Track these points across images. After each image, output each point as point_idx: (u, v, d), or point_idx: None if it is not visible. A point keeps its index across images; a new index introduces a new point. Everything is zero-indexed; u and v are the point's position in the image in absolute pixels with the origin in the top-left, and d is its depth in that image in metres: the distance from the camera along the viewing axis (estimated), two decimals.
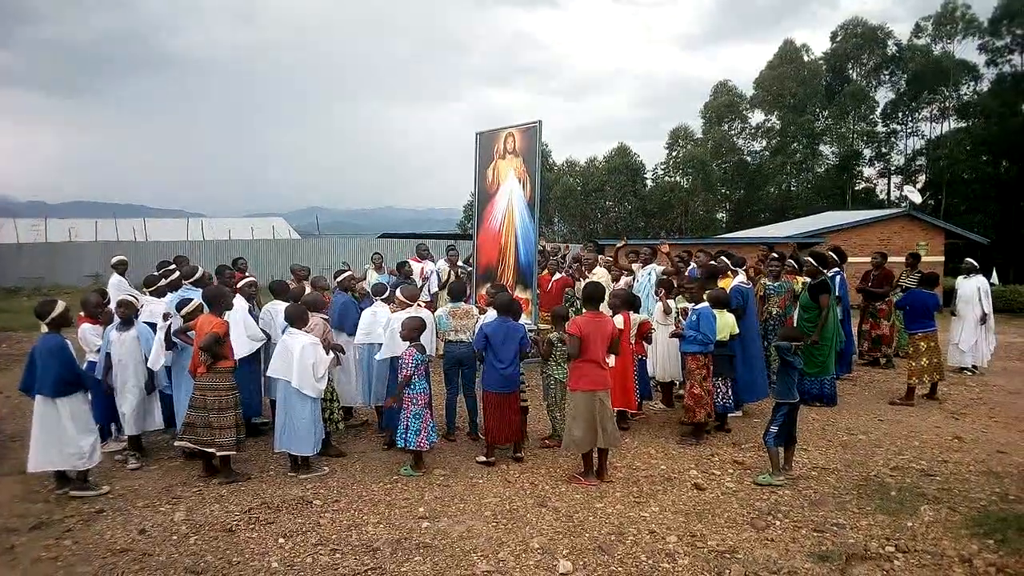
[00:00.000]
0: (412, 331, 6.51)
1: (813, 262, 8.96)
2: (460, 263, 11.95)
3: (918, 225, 23.92)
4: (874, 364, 11.14)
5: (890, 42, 44.46)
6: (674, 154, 47.63)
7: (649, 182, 48.24)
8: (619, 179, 45.56)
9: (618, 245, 11.13)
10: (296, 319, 6.41)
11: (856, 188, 45.06)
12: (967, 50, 41.75)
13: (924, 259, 22.50)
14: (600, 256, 10.91)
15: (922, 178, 43.27)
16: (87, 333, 6.99)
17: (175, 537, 5.07)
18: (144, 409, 6.74)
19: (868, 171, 46.64)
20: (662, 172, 48.04)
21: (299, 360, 6.15)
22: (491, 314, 7.28)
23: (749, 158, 48.40)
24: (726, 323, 7.48)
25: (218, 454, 6.12)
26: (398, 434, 6.52)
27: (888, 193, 45.60)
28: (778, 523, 5.19)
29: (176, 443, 6.42)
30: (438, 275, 12.26)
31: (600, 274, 10.06)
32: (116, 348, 6.62)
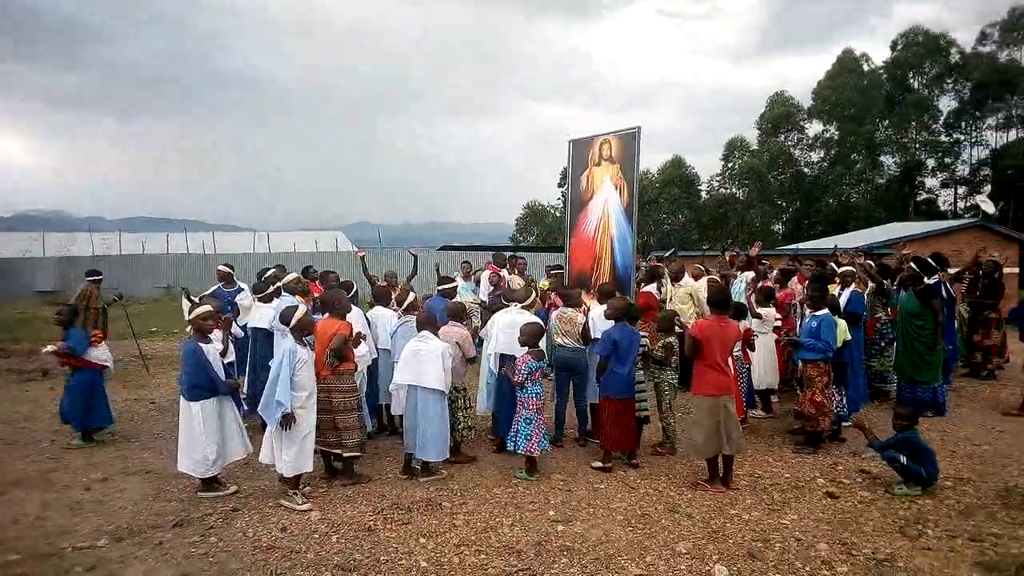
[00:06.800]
0: (530, 336, 6.50)
1: (915, 267, 8.72)
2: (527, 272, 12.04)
3: (990, 236, 23.11)
4: (974, 375, 10.78)
5: (953, 50, 43.43)
6: (730, 165, 47.18)
7: (704, 194, 47.86)
8: (673, 191, 45.32)
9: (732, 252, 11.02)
10: (429, 325, 6.44)
11: (918, 199, 43.98)
12: None
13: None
14: (694, 264, 10.73)
15: (987, 188, 42.04)
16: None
17: (316, 535, 5.12)
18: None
19: (931, 182, 45.54)
20: (717, 184, 47.60)
21: (442, 364, 6.16)
22: (597, 317, 7.26)
23: (807, 169, 47.61)
24: (841, 330, 7.32)
25: (345, 455, 6.16)
26: (508, 437, 6.53)
27: (955, 204, 44.37)
28: (930, 532, 5.03)
29: None
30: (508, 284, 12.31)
31: (688, 283, 9.90)
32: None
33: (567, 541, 4.99)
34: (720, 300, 6.23)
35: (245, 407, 7.86)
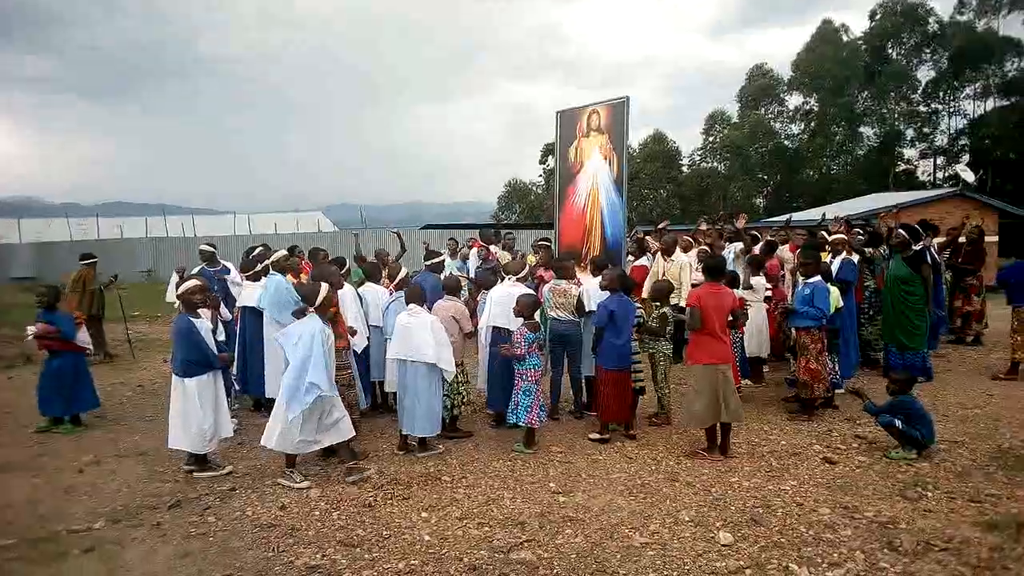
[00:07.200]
0: (526, 308, 6.44)
1: (904, 234, 8.72)
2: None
3: (971, 204, 23.27)
4: (959, 341, 10.87)
5: (931, 19, 43.45)
6: (711, 139, 47.14)
7: (685, 168, 47.81)
8: (654, 166, 45.20)
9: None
10: (417, 299, 6.35)
11: (897, 170, 44.20)
12: (1012, 26, 40.79)
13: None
14: (684, 236, 10.68)
15: (965, 157, 42.37)
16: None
17: (317, 512, 5.07)
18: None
19: (909, 152, 45.77)
20: (699, 158, 47.56)
21: (435, 337, 6.09)
22: (591, 290, 7.22)
23: (787, 142, 47.60)
24: (833, 297, 7.33)
25: None
26: (508, 410, 6.49)
27: (934, 174, 44.66)
28: (930, 495, 5.07)
29: None
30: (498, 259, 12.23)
31: (680, 259, 9.82)
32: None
33: (570, 512, 4.98)
34: (714, 268, 6.21)
35: (237, 386, 7.77)
